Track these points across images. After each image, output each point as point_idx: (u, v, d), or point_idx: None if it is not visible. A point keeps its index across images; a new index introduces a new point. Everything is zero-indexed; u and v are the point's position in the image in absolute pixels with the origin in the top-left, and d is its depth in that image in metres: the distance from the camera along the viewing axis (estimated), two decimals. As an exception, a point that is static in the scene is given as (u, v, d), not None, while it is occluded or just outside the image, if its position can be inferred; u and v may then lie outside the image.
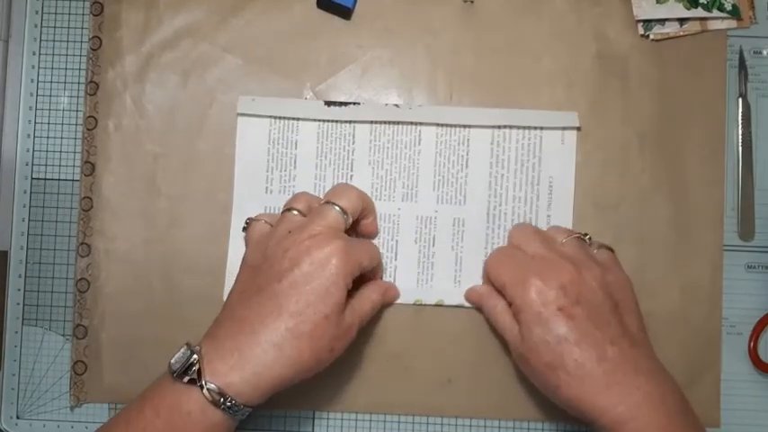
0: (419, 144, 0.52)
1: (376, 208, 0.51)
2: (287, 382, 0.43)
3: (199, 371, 0.42)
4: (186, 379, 0.41)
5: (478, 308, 0.51)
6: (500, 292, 0.48)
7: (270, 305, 0.43)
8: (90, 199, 0.53)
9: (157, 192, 0.53)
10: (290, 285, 0.43)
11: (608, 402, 0.42)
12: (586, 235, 0.49)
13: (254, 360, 0.42)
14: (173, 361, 0.42)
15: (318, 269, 0.43)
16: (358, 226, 0.50)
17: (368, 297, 0.48)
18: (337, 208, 0.46)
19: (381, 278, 0.52)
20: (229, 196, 0.52)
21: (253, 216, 0.50)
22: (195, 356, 0.42)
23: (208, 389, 0.41)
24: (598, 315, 0.44)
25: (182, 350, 0.42)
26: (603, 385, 0.43)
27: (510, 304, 0.46)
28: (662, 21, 0.52)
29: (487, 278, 0.50)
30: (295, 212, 0.47)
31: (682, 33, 0.53)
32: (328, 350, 0.44)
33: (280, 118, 0.52)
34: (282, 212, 0.48)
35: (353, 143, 0.52)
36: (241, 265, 0.47)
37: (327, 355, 0.44)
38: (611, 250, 0.49)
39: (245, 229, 0.50)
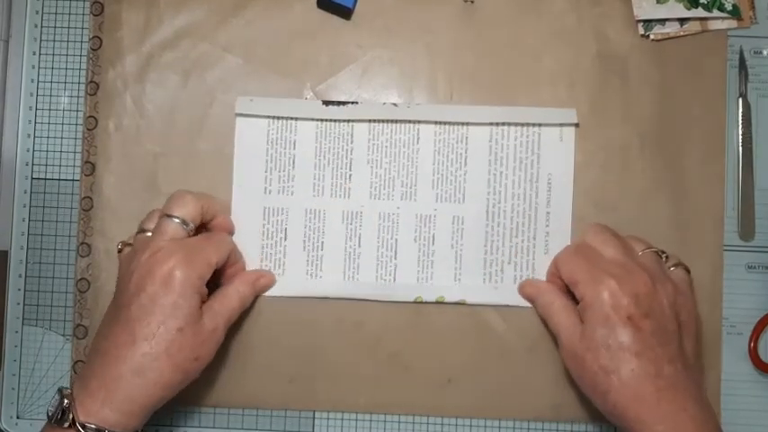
0: (417, 143, 0.52)
1: (228, 203, 0.52)
2: (162, 400, 0.45)
3: (72, 413, 0.42)
4: (66, 425, 0.42)
5: (531, 301, 0.51)
6: (565, 289, 0.48)
7: (123, 335, 0.44)
8: (90, 199, 0.53)
9: (158, 191, 0.53)
10: (138, 309, 0.44)
11: (653, 418, 0.42)
12: (663, 253, 0.48)
13: (120, 391, 0.43)
14: (49, 408, 0.44)
15: (162, 287, 0.44)
16: (210, 227, 0.50)
17: (234, 292, 0.48)
18: (176, 220, 0.46)
19: (244, 267, 0.51)
20: (230, 196, 0.52)
21: (126, 239, 0.49)
22: (66, 400, 0.43)
23: (85, 428, 0.42)
24: (663, 332, 0.44)
25: (55, 396, 0.44)
26: (654, 401, 0.43)
27: (577, 302, 0.46)
28: (662, 21, 0.52)
29: (553, 274, 0.50)
30: (148, 234, 0.47)
31: (682, 33, 0.53)
32: (192, 360, 0.45)
33: (278, 118, 0.52)
34: (136, 234, 0.48)
35: (352, 142, 0.52)
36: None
37: (194, 364, 0.45)
38: (688, 270, 0.48)
39: (119, 251, 0.49)
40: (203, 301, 0.46)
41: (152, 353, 0.43)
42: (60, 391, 0.44)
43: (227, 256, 0.48)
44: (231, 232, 0.52)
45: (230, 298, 0.48)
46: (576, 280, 0.46)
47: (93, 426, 0.42)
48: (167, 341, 0.44)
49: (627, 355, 0.43)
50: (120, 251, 0.49)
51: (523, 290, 0.51)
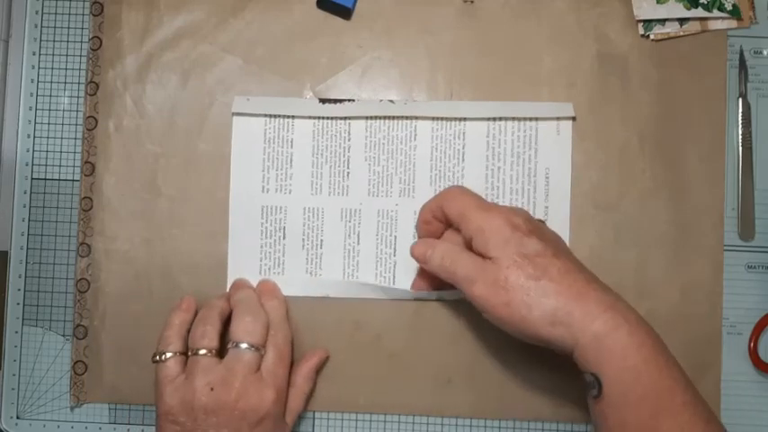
0: (415, 139, 0.52)
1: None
2: None
3: None
4: None
5: (426, 259, 0.47)
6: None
7: None
8: (90, 199, 0.53)
9: (157, 192, 0.53)
10: None
11: (597, 308, 0.42)
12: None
13: None
14: None
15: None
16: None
17: (301, 393, 0.50)
18: (243, 345, 0.47)
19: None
20: (228, 196, 0.52)
21: (162, 349, 0.48)
22: None
23: None
24: (555, 244, 0.45)
25: None
26: (591, 291, 0.43)
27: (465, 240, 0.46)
28: (662, 21, 0.52)
29: (429, 221, 0.48)
30: (203, 352, 0.47)
31: (682, 33, 0.53)
32: None
33: (275, 116, 0.52)
34: (192, 355, 0.47)
35: (349, 140, 0.52)
36: (159, 416, 0.47)
37: None
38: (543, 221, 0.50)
39: (154, 360, 0.48)
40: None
41: None
42: None
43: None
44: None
45: (299, 398, 0.50)
46: (467, 213, 0.45)
47: None
48: None
49: (547, 259, 0.43)
50: (154, 360, 0.48)
51: (416, 249, 0.47)
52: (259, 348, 0.47)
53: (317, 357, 0.51)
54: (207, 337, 0.47)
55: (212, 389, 0.45)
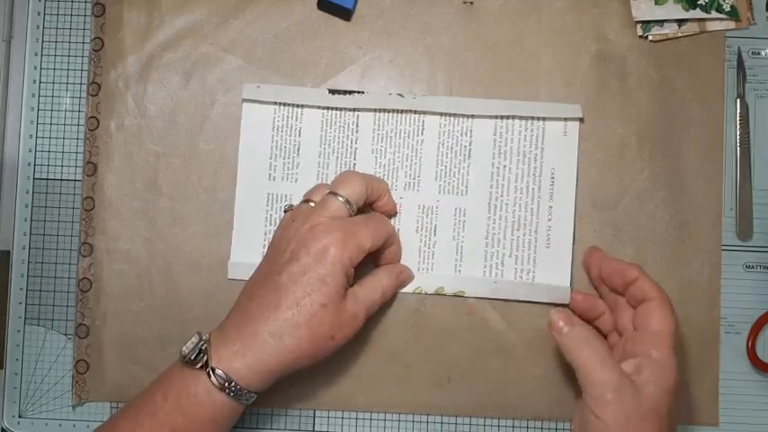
0: (422, 134, 0.53)
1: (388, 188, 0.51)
2: (289, 368, 0.45)
3: (206, 357, 0.44)
4: (198, 365, 0.44)
5: (558, 332, 0.46)
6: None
7: (270, 297, 0.45)
8: (92, 199, 0.53)
9: (159, 191, 0.53)
10: (288, 278, 0.45)
11: None
12: None
13: (255, 349, 0.44)
14: (184, 348, 0.44)
15: (315, 260, 0.45)
16: (373, 208, 0.51)
17: (377, 282, 0.49)
18: (340, 198, 0.47)
19: (399, 251, 0.51)
20: (230, 195, 0.53)
21: (293, 204, 0.50)
22: (205, 344, 0.44)
23: (213, 373, 0.43)
24: None
25: (193, 338, 0.45)
26: None
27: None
28: (660, 22, 0.53)
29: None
30: (311, 204, 0.48)
31: (680, 34, 0.53)
32: (328, 338, 0.45)
33: (284, 105, 0.53)
34: (299, 203, 0.49)
35: (357, 132, 0.53)
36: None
37: (328, 342, 0.45)
38: None
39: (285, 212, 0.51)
40: (349, 284, 0.47)
41: (294, 321, 0.44)
42: (199, 333, 0.45)
43: (383, 241, 0.49)
44: (393, 214, 0.52)
45: (373, 288, 0.48)
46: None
47: (222, 373, 0.43)
48: (310, 313, 0.44)
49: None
50: (285, 212, 0.50)
51: (556, 316, 0.46)
52: (350, 204, 0.47)
53: (404, 269, 0.51)
54: (318, 195, 0.48)
55: (293, 221, 0.47)
